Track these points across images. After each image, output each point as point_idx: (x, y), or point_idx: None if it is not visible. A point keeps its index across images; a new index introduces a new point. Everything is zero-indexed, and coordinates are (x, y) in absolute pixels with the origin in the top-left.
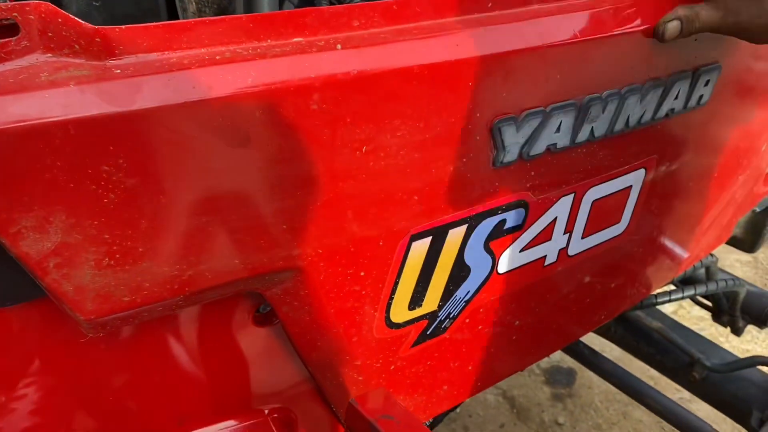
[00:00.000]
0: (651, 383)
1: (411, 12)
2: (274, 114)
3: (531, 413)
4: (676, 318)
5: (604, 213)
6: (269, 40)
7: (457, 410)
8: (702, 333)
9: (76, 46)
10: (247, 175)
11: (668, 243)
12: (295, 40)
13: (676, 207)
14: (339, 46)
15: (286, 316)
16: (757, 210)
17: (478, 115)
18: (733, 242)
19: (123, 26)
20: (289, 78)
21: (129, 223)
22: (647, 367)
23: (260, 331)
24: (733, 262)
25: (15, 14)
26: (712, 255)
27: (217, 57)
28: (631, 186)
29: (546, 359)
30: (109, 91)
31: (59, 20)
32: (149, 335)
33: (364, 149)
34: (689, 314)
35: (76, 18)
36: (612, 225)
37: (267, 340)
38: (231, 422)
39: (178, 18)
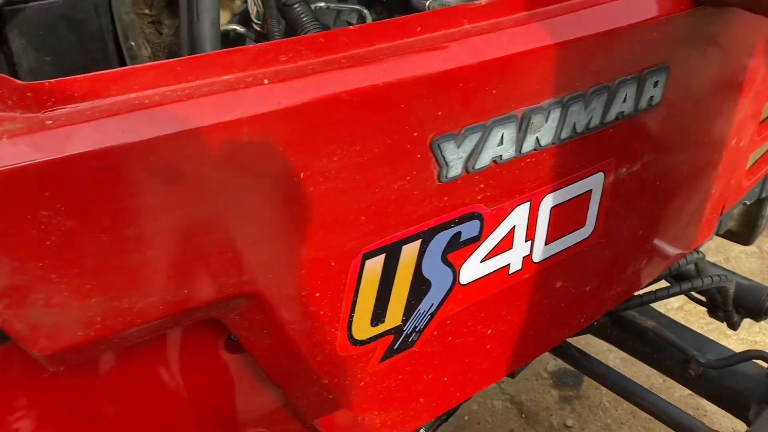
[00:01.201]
0: (660, 380)
1: (338, 42)
2: (203, 149)
3: (539, 417)
4: (683, 313)
5: (565, 218)
6: (198, 81)
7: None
8: (711, 326)
9: (9, 102)
10: (185, 209)
11: (643, 243)
12: (224, 78)
13: (645, 207)
14: (266, 81)
15: (248, 341)
16: (748, 203)
17: (415, 134)
18: (730, 235)
19: (54, 79)
20: (217, 115)
21: (74, 263)
22: None
23: (233, 358)
24: (738, 253)
25: None
26: (698, 252)
27: (146, 101)
28: (591, 190)
29: (553, 362)
30: (40, 141)
31: None
32: (126, 365)
33: (302, 175)
34: (696, 308)
35: (6, 75)
36: (576, 229)
37: (240, 366)
38: None
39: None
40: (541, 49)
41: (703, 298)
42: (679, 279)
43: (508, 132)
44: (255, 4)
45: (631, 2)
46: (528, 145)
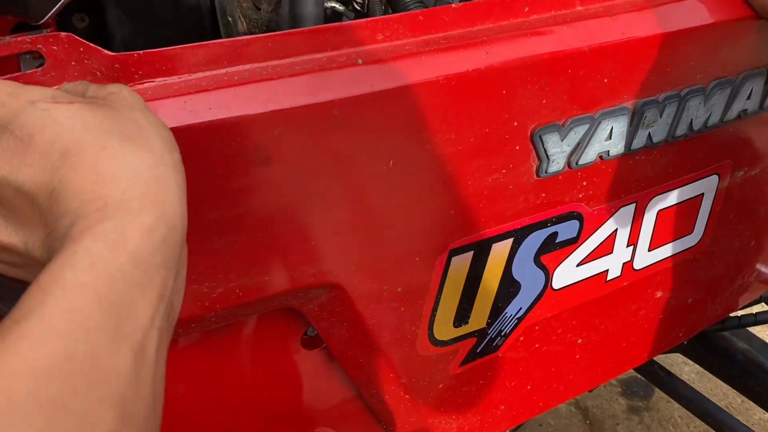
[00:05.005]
0: (739, 401)
1: (439, 22)
2: (292, 133)
3: (605, 425)
4: None
5: (672, 223)
6: (290, 59)
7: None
8: None
9: (98, 74)
10: (269, 195)
11: (755, 255)
12: (317, 56)
13: (760, 216)
14: (360, 61)
15: (326, 333)
16: None
17: (515, 123)
18: None
19: (141, 51)
20: (307, 96)
21: None
22: None
23: (309, 354)
24: None
25: (40, 46)
26: None
27: (236, 78)
28: (702, 194)
29: None
30: None
31: (81, 49)
32: (198, 352)
33: (391, 163)
34: None
35: (96, 46)
36: (683, 236)
37: (316, 361)
38: None
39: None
40: (659, 36)
41: None
42: None
43: (618, 126)
44: None
45: None
46: (639, 142)
